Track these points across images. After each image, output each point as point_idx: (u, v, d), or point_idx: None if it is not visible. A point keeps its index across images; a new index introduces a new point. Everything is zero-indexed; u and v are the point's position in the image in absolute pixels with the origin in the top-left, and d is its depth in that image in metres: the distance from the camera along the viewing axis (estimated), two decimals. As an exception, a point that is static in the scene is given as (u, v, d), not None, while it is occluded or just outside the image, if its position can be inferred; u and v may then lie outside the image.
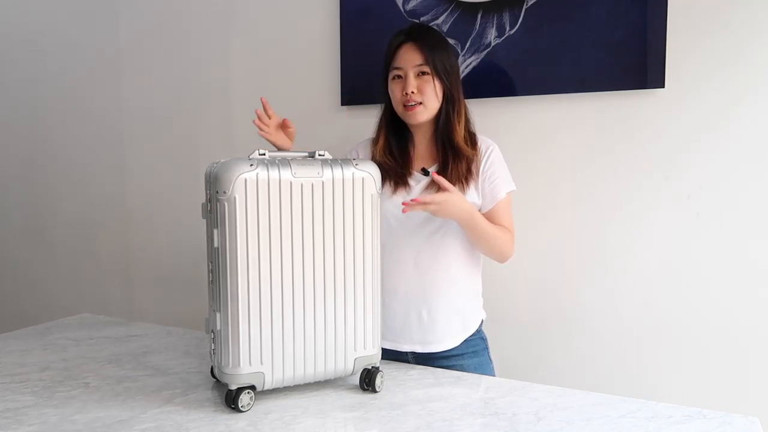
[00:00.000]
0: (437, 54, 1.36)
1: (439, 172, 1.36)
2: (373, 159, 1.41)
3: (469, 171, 1.37)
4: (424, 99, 1.36)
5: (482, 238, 1.38)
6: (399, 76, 1.39)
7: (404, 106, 1.37)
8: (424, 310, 1.39)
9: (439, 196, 1.27)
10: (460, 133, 1.39)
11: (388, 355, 1.38)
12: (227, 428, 1.01)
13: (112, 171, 2.45)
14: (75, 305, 2.53)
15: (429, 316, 1.39)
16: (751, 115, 1.51)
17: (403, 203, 1.24)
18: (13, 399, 1.14)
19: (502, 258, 1.44)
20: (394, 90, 1.40)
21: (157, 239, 2.38)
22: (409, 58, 1.37)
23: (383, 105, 1.48)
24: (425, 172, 1.39)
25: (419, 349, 1.40)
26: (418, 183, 1.40)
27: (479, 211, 1.39)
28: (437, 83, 1.36)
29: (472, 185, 1.38)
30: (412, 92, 1.35)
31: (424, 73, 1.36)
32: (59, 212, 2.61)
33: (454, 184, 1.34)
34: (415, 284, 1.39)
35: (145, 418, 1.05)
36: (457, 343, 1.40)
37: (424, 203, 1.25)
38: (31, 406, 1.10)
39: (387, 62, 1.42)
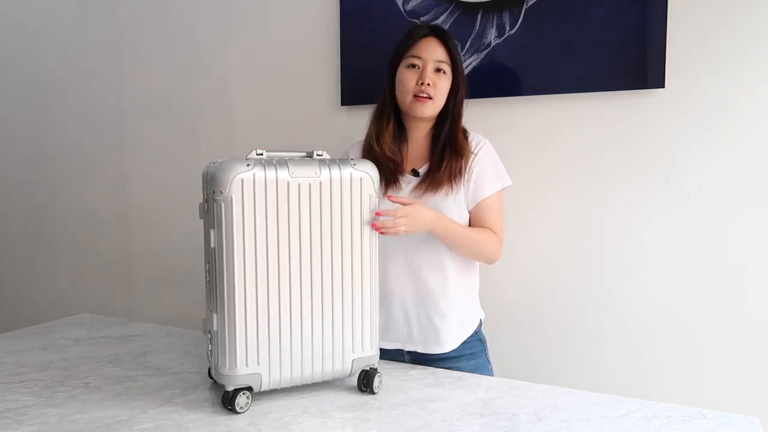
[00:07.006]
0: (457, 54, 1.38)
1: (430, 171, 1.36)
2: (379, 145, 1.39)
3: (459, 171, 1.36)
4: (436, 95, 1.35)
5: (458, 244, 1.34)
6: (415, 65, 1.36)
7: (415, 96, 1.35)
8: (421, 313, 1.38)
9: (402, 211, 1.22)
10: (460, 130, 1.40)
11: (385, 354, 1.38)
12: (227, 428, 1.01)
13: (112, 171, 2.45)
14: (75, 305, 2.53)
15: (426, 319, 1.38)
16: (751, 115, 1.50)
17: (373, 225, 1.17)
18: (13, 399, 1.14)
19: (487, 260, 1.40)
20: (407, 78, 1.36)
21: (157, 239, 2.38)
22: (432, 51, 1.36)
23: (383, 95, 1.43)
24: (415, 173, 1.38)
25: (420, 349, 1.39)
26: (408, 184, 1.39)
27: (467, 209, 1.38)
28: (452, 82, 1.37)
29: (461, 184, 1.36)
30: (428, 84, 1.34)
31: (439, 71, 1.36)
32: (59, 212, 2.61)
33: (443, 184, 1.34)
34: (409, 288, 1.38)
35: (145, 418, 1.05)
36: (455, 346, 1.39)
37: (395, 227, 1.19)
38: (31, 406, 1.10)
39: (403, 50, 1.39)
